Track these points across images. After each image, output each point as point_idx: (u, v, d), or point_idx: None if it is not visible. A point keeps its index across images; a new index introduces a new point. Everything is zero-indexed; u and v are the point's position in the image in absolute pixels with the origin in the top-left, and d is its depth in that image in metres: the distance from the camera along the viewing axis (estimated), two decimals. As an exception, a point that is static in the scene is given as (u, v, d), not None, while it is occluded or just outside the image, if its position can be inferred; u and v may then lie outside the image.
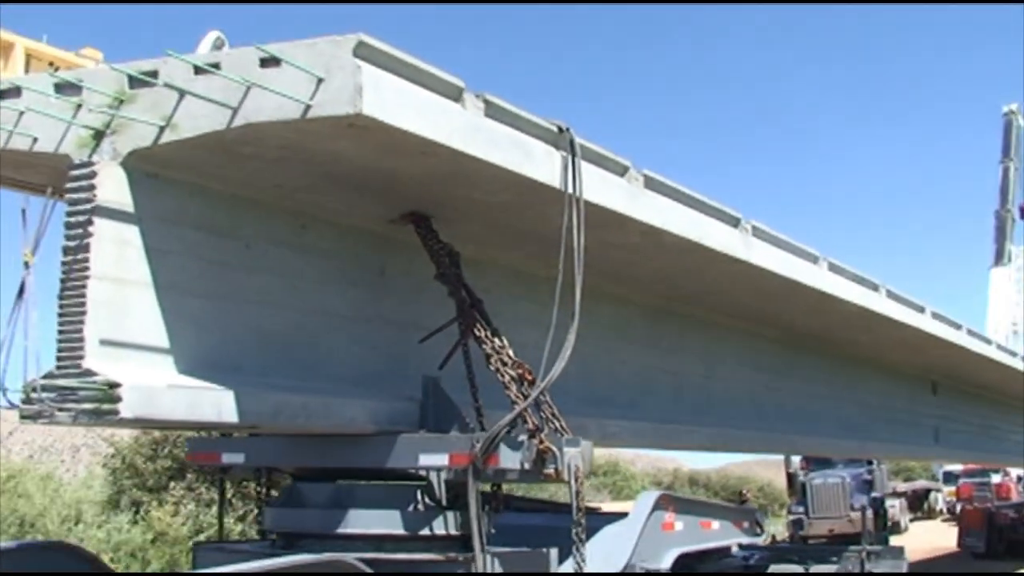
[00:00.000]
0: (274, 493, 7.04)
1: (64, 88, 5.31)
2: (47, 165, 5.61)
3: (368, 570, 5.05)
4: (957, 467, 44.15)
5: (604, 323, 8.41)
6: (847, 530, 21.37)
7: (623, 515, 8.84)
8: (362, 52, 4.79)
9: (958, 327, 14.23)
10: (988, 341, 16.45)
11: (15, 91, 5.40)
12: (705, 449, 14.12)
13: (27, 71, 5.65)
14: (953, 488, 46.00)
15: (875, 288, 10.89)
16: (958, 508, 43.58)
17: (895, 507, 28.63)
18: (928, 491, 50.25)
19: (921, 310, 12.33)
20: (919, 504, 46.50)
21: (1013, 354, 18.30)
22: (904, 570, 13.55)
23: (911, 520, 33.10)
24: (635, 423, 8.74)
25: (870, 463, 26.77)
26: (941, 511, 48.30)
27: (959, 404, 18.29)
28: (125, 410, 4.72)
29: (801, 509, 25.46)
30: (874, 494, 27.86)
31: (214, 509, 14.01)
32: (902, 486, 42.74)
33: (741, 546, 10.95)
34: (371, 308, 6.51)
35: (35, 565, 5.52)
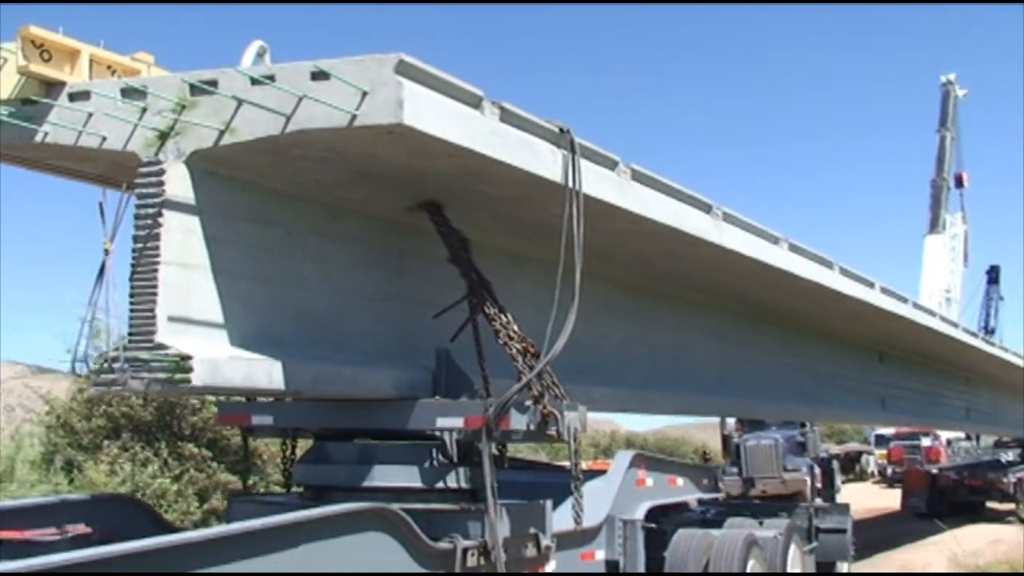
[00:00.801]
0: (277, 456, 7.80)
1: (130, 93, 5.99)
2: (105, 159, 6.33)
3: (408, 517, 5.84)
4: (889, 431, 44.97)
5: (589, 300, 9.22)
6: (780, 491, 21.97)
7: (600, 472, 9.74)
8: (402, 69, 5.53)
9: (904, 300, 15.27)
10: (932, 313, 17.53)
11: (84, 95, 6.07)
12: (677, 413, 15.09)
13: (90, 76, 6.29)
14: (884, 451, 46.87)
15: (829, 266, 11.82)
16: (889, 471, 44.80)
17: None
18: (860, 454, 50.78)
19: (871, 285, 13.30)
20: (851, 467, 46.78)
21: (955, 325, 19.41)
22: (849, 526, 14.63)
23: (843, 482, 33.94)
24: (616, 390, 9.62)
25: (803, 425, 27.36)
26: (872, 474, 48.83)
27: (904, 372, 19.38)
28: (196, 379, 5.46)
29: (735, 470, 26.14)
30: (822, 455, 28.83)
31: (150, 468, 14.22)
32: (835, 449, 42.69)
33: (700, 501, 11.85)
34: (391, 288, 7.27)
35: (95, 517, 6.23)
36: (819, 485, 19.05)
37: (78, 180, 6.78)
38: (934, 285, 32.99)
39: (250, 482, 10.86)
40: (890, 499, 33.61)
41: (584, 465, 16.27)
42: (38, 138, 6.13)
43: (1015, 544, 13.57)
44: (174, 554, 4.37)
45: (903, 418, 22.81)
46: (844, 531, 14.41)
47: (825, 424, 38.77)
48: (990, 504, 29.46)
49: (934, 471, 31.15)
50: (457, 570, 6.15)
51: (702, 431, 41.16)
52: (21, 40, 5.92)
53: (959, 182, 36.18)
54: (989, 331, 37.50)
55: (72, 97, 6.09)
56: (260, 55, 6.60)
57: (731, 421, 26.44)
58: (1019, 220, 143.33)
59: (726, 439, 25.37)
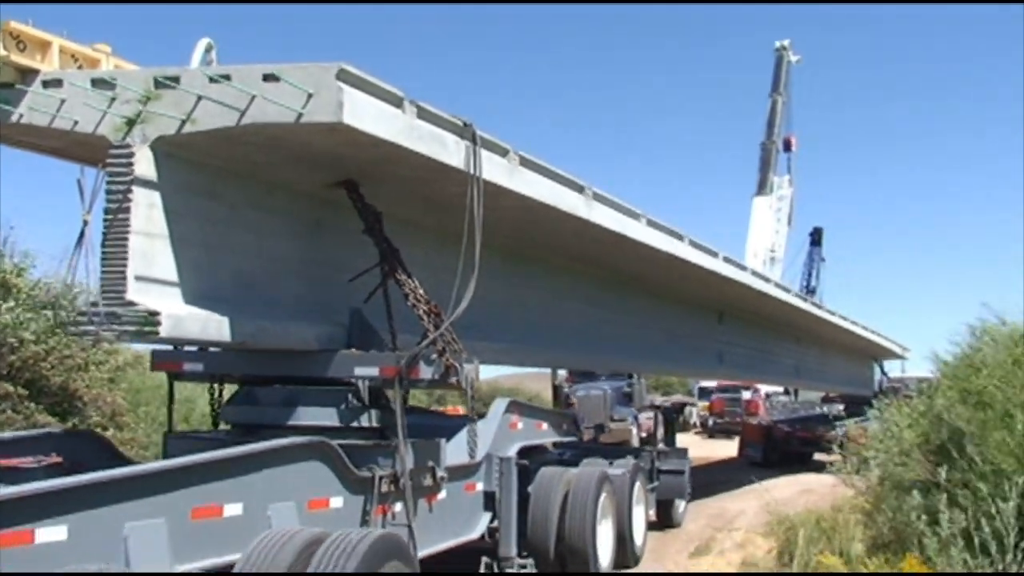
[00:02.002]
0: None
1: (100, 83, 6.91)
2: (67, 137, 7.24)
3: (340, 450, 7.01)
4: (711, 384, 45.65)
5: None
6: (608, 440, 22.83)
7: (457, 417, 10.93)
8: (342, 76, 6.64)
9: (743, 268, 17.08)
10: (767, 280, 19.40)
11: (57, 82, 6.96)
12: (547, 366, 16.50)
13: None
14: (707, 403, 47.57)
15: (680, 238, 13.37)
16: (710, 422, 46.21)
17: (651, 419, 30.34)
18: (684, 405, 50.57)
19: (715, 255, 14.97)
20: (676, 417, 48.28)
21: (787, 290, 21.38)
22: (687, 468, 16.25)
23: (663, 433, 34.23)
24: (495, 344, 10.92)
25: (630, 377, 27.91)
26: (695, 424, 49.23)
27: (741, 331, 21.20)
28: (162, 332, 6.51)
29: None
30: (665, 403, 30.47)
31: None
32: (660, 400, 42.17)
33: (556, 444, 13.24)
34: (313, 254, 8.38)
35: (63, 449, 7.17)
36: (662, 431, 20.73)
37: (38, 153, 7.63)
38: (759, 244, 34.33)
39: (69, 424, 11.64)
40: (711, 449, 35.10)
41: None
42: (13, 118, 7.00)
43: (823, 495, 15.05)
44: (156, 479, 5.42)
45: (738, 373, 24.64)
46: (682, 473, 15.93)
47: (652, 376, 40.33)
48: (818, 456, 31.44)
49: (768, 423, 32.55)
50: (374, 495, 7.36)
51: (535, 381, 41.93)
52: (2, 32, 6.77)
53: (787, 146, 37.35)
54: (810, 291, 39.45)
55: (46, 84, 6.96)
56: (208, 51, 7.60)
57: (562, 372, 27.34)
58: (843, 184, 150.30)
59: (556, 389, 26.29)
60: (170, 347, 8.40)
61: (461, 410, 19.19)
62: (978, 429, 9.13)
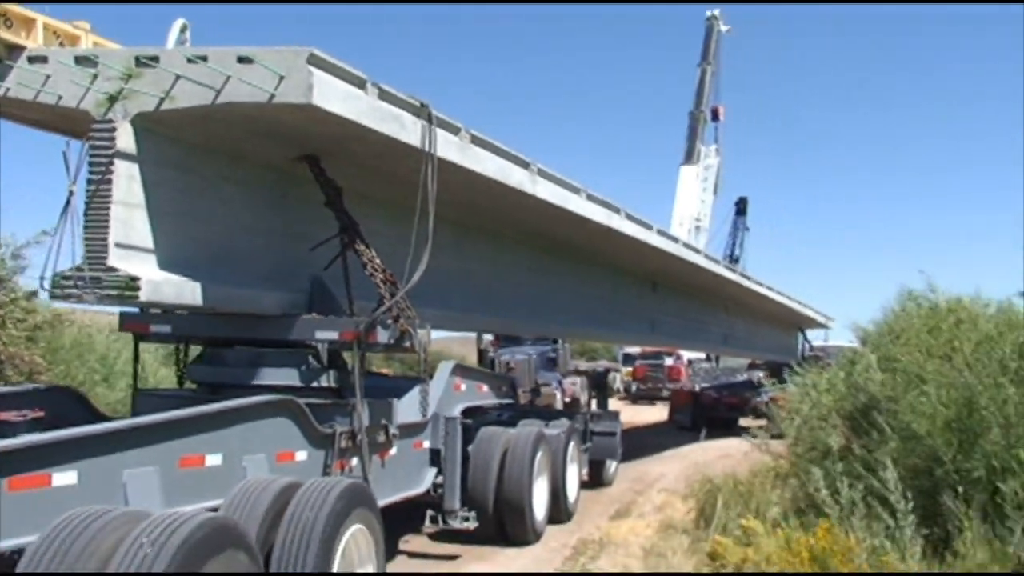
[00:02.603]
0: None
1: (83, 61, 7.33)
2: (48, 110, 7.65)
3: (306, 408, 7.59)
4: (635, 350, 46.48)
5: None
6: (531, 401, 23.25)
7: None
8: (312, 60, 7.14)
9: (676, 240, 17.87)
10: (697, 251, 20.24)
11: (42, 59, 7.37)
12: (493, 331, 17.08)
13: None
14: (630, 369, 48.50)
15: (617, 211, 14.05)
16: (633, 387, 47.11)
17: (576, 384, 30.43)
18: (608, 371, 49.80)
19: (649, 228, 15.69)
20: (599, 383, 47.43)
21: (716, 261, 22.25)
22: (618, 430, 17.04)
23: (591, 397, 33.74)
24: (443, 311, 11.52)
25: (555, 342, 28.46)
26: (618, 390, 48.68)
27: (673, 300, 22.03)
28: (142, 296, 7.01)
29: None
30: (596, 368, 30.86)
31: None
32: (584, 365, 42.27)
33: (498, 406, 13.93)
34: (277, 224, 8.90)
35: (45, 404, 7.64)
36: (587, 396, 21.38)
37: (21, 124, 8.04)
38: (685, 213, 35.41)
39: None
40: (634, 414, 35.56)
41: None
42: (0, 92, 7.39)
43: (741, 459, 15.32)
44: (150, 431, 5.96)
45: (670, 340, 25.51)
46: (614, 434, 16.73)
47: (577, 342, 40.75)
48: (744, 421, 32.36)
49: (697, 390, 33.50)
50: (334, 449, 7.95)
51: (461, 346, 42.21)
52: (-13, 10, 7.16)
53: (715, 115, 38.19)
54: (734, 259, 41.00)
55: (31, 60, 7.37)
56: (183, 31, 8.06)
57: (487, 337, 27.71)
58: (768, 154, 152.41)
59: (482, 353, 26.80)
60: (137, 309, 8.87)
61: (387, 372, 19.76)
62: (892, 394, 9.58)
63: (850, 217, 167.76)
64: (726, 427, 29.14)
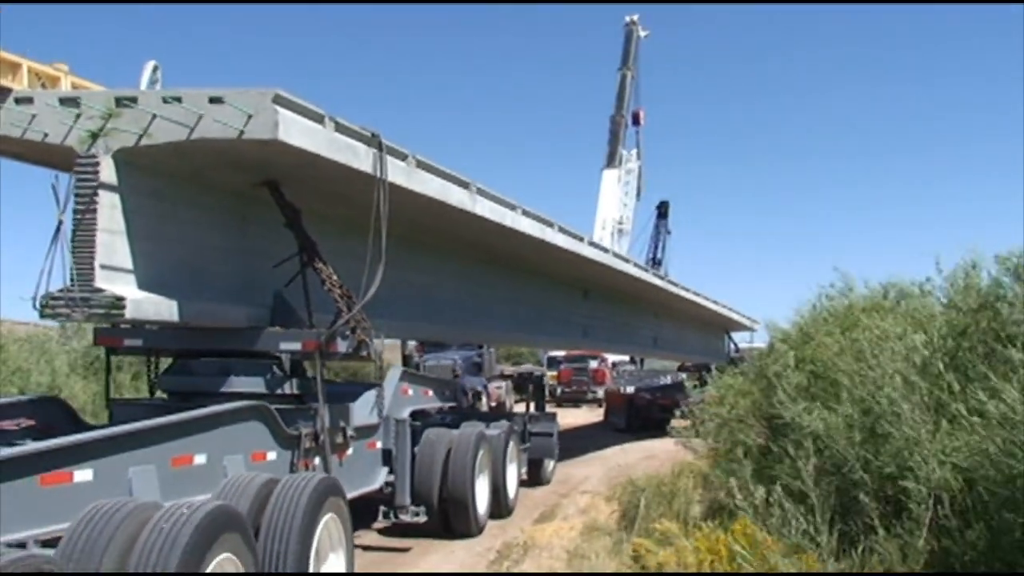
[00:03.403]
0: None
1: (67, 101, 8.08)
2: (29, 144, 8.36)
3: (275, 412, 8.40)
4: (560, 353, 46.12)
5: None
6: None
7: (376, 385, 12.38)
8: (277, 100, 7.97)
9: (606, 251, 18.94)
10: (627, 260, 21.31)
11: (28, 100, 8.11)
12: (432, 338, 17.86)
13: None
14: (555, 372, 48.11)
15: (550, 225, 15.04)
16: (559, 391, 46.72)
17: (501, 388, 30.37)
18: (532, 374, 48.95)
19: (581, 240, 16.73)
20: (524, 386, 45.62)
21: (645, 269, 23.36)
22: (555, 431, 18.03)
23: (516, 401, 33.84)
24: (388, 320, 12.30)
25: (480, 347, 28.65)
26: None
27: (604, 306, 23.05)
28: (127, 313, 7.79)
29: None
30: (534, 372, 31.22)
31: None
32: (509, 369, 42.32)
33: (440, 410, 14.79)
34: (241, 245, 9.69)
35: (35, 413, 8.35)
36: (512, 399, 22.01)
37: (3, 157, 8.75)
38: (607, 216, 35.08)
39: None
40: (559, 417, 35.05)
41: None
42: (-12, 131, 8.11)
43: (665, 460, 15.58)
44: (147, 434, 6.75)
45: (601, 345, 26.39)
46: (551, 435, 17.76)
47: (502, 346, 40.91)
48: (675, 422, 33.02)
49: (631, 392, 34.01)
50: (300, 450, 8.77)
51: (389, 351, 42.71)
52: (-23, 56, 7.90)
53: (636, 119, 38.14)
54: (656, 262, 41.27)
55: (18, 101, 8.10)
56: (154, 71, 8.84)
57: (412, 343, 27.75)
58: (689, 157, 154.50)
59: (407, 359, 27.10)
60: (108, 325, 9.58)
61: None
62: (802, 397, 9.48)
63: (776, 218, 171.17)
64: (659, 428, 29.95)
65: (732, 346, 36.73)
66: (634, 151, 38.25)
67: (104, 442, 6.16)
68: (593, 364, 47.25)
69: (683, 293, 25.91)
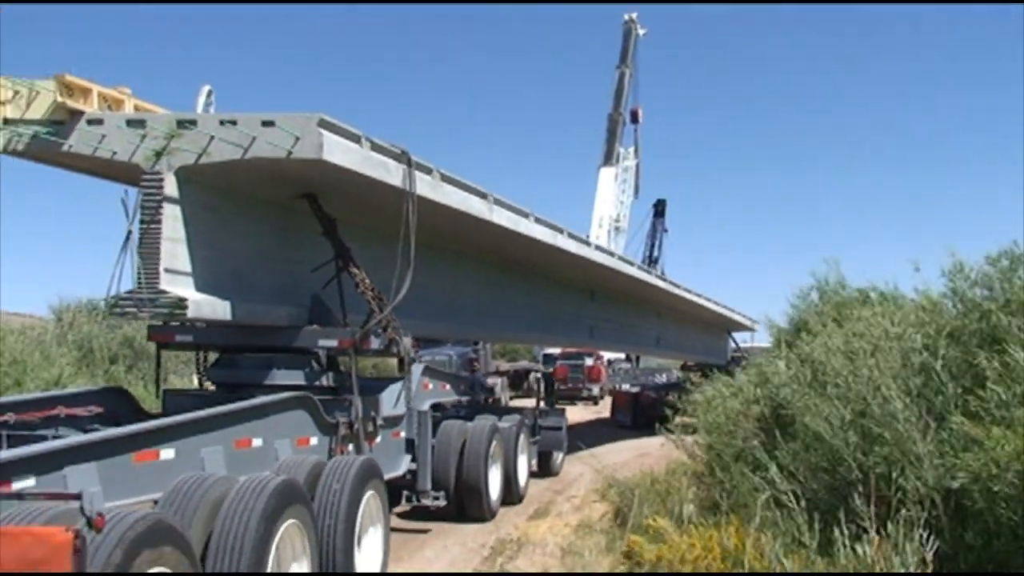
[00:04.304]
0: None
1: (133, 123, 9.05)
2: (96, 161, 9.33)
3: (318, 403, 9.37)
4: (556, 350, 45.63)
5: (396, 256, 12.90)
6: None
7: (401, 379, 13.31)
8: (321, 123, 8.94)
9: (612, 255, 19.95)
10: (631, 262, 22.29)
11: (99, 121, 9.07)
12: (450, 337, 18.77)
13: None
14: (551, 369, 45.81)
15: (560, 231, 16.03)
16: (535, 386, 47.22)
17: (497, 384, 30.46)
18: (528, 371, 48.64)
19: (588, 244, 17.74)
20: (520, 383, 43.65)
21: (649, 271, 24.31)
22: (563, 425, 19.01)
23: (512, 397, 34.82)
24: (413, 320, 13.30)
25: (476, 344, 28.63)
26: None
27: (610, 307, 24.05)
28: (189, 313, 8.76)
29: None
30: (538, 368, 31.85)
31: None
32: (505, 365, 41.64)
33: (458, 402, 15.76)
34: (284, 251, 10.68)
35: (103, 402, 9.33)
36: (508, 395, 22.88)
37: (73, 171, 9.74)
38: (604, 214, 35.19)
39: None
40: None
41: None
42: (64, 148, 9.08)
43: (659, 458, 15.64)
44: (214, 420, 7.71)
45: (607, 345, 27.28)
46: (560, 428, 18.75)
47: (500, 343, 40.17)
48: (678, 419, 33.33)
49: (636, 390, 34.53)
50: (337, 436, 9.72)
51: None
52: (56, 82, 8.86)
53: (634, 117, 38.20)
54: (653, 261, 41.23)
55: (89, 122, 9.07)
56: (208, 95, 9.81)
57: (408, 339, 28.16)
58: (686, 156, 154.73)
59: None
60: (161, 323, 10.54)
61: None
62: (794, 396, 9.40)
63: (774, 218, 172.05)
64: (664, 424, 30.53)
65: (733, 345, 37.50)
66: (632, 149, 38.30)
67: (183, 426, 7.12)
68: (588, 361, 47.33)
69: (684, 294, 26.76)
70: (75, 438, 6.34)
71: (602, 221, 34.74)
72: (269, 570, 6.45)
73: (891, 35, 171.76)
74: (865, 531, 7.23)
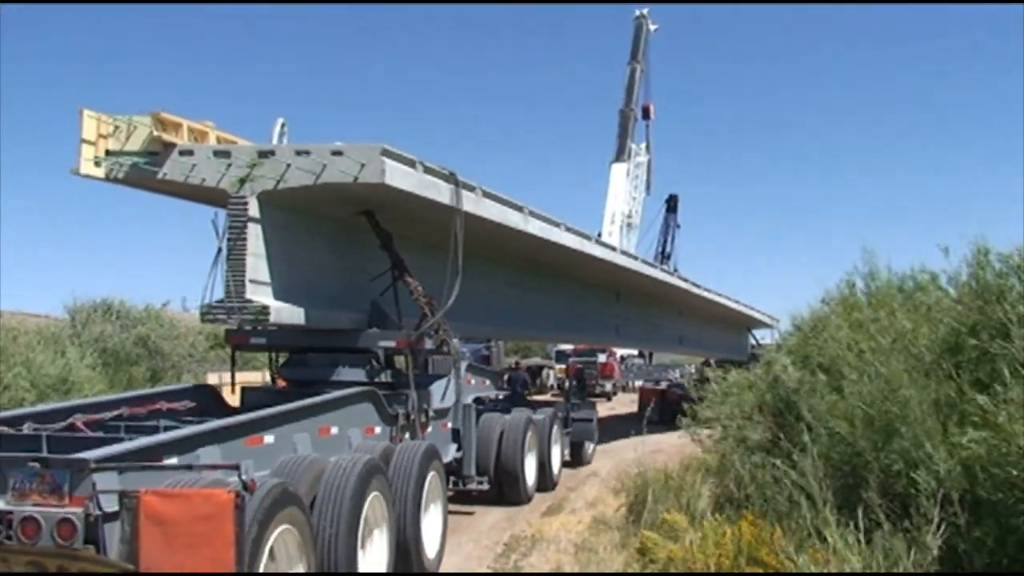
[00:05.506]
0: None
1: (220, 154, 10.38)
2: (185, 187, 10.67)
3: (382, 396, 10.68)
4: (568, 347, 46.71)
5: (441, 265, 14.20)
6: None
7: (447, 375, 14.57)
8: (384, 152, 10.25)
9: (635, 258, 21.23)
10: (654, 265, 23.55)
11: (189, 152, 10.41)
12: (486, 337, 20.01)
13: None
14: (564, 366, 48.41)
15: (588, 238, 17.35)
16: (566, 384, 47.07)
17: (551, 374, 30.23)
18: (542, 368, 50.75)
19: (614, 250, 19.05)
20: (533, 379, 43.14)
21: (670, 273, 25.53)
22: (594, 418, 20.30)
23: (526, 394, 33.44)
24: (457, 323, 14.61)
25: (488, 341, 29.85)
26: (552, 386, 48.93)
27: (634, 307, 25.31)
28: (271, 319, 10.09)
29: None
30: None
31: None
32: (523, 363, 39.74)
33: (496, 397, 17.03)
34: (346, 263, 12.01)
35: (191, 399, 10.68)
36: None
37: (166, 195, 11.10)
38: (616, 209, 34.90)
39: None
40: None
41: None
42: (159, 176, 10.42)
43: (673, 454, 15.79)
44: (302, 411, 9.01)
45: (631, 342, 28.53)
46: (591, 420, 20.10)
47: (514, 341, 41.43)
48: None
49: (663, 387, 34.51)
50: (397, 426, 11.02)
51: None
52: (152, 118, 10.22)
53: (646, 113, 38.08)
54: (665, 256, 41.45)
55: (181, 153, 10.40)
56: (283, 127, 11.14)
57: (456, 339, 28.85)
58: (699, 151, 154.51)
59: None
60: (236, 327, 11.84)
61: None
62: (808, 393, 9.71)
63: (792, 213, 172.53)
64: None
65: (753, 342, 38.40)
66: (643, 145, 38.23)
67: (280, 416, 8.44)
68: (601, 358, 47.48)
69: (704, 293, 27.95)
70: (204, 426, 7.62)
71: (614, 217, 34.74)
72: (361, 528, 7.87)
73: (901, 35, 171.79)
74: (879, 526, 7.23)
